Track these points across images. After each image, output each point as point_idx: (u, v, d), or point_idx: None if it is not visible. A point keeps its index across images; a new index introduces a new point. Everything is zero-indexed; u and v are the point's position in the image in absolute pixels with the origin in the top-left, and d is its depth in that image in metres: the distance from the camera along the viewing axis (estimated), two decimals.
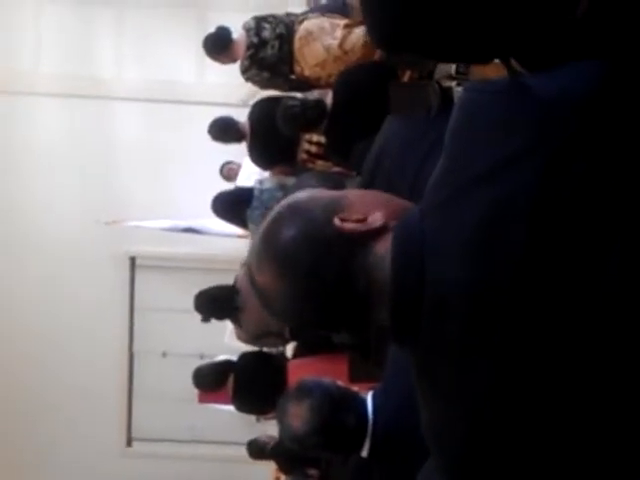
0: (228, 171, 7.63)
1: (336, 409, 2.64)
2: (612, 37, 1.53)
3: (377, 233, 1.39)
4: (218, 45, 4.99)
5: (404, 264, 1.36)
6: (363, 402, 2.65)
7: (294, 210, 1.45)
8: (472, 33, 1.49)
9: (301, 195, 1.48)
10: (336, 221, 1.40)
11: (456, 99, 3.43)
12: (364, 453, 2.64)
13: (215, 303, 4.25)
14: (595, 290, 1.26)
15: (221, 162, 7.70)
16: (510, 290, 1.28)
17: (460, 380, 1.35)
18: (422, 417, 1.45)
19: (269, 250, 1.44)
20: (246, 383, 4.14)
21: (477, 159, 1.34)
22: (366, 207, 1.42)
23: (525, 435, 1.32)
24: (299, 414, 2.64)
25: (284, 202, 1.47)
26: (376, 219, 1.40)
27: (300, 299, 1.43)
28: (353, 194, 1.48)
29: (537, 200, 1.27)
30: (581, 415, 1.29)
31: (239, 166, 7.34)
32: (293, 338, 4.49)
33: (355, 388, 2.82)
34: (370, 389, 2.73)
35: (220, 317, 4.40)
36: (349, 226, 1.39)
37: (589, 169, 1.27)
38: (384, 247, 1.38)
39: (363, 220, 1.40)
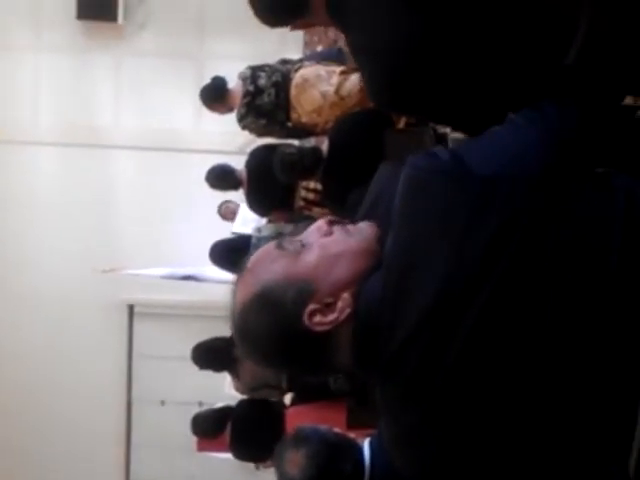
0: (225, 210, 7.66)
1: (333, 456, 2.64)
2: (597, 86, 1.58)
3: (345, 320, 1.49)
4: (214, 95, 5.04)
5: (364, 340, 1.47)
6: (360, 449, 2.65)
7: (266, 300, 1.51)
8: (465, 97, 1.55)
9: (272, 275, 1.52)
10: (305, 320, 1.48)
11: (450, 143, 3.46)
12: None
13: (212, 355, 4.24)
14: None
15: None
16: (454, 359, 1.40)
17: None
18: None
19: (243, 337, 1.55)
20: (244, 431, 4.11)
21: (423, 245, 1.43)
22: (335, 285, 1.50)
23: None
24: (296, 461, 2.64)
25: (257, 281, 1.52)
26: (345, 305, 1.48)
27: (274, 369, 1.54)
28: (322, 269, 1.51)
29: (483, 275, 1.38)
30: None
31: (237, 205, 7.36)
32: (290, 389, 4.47)
33: (352, 435, 2.81)
34: (367, 436, 2.73)
35: (217, 369, 4.38)
36: (319, 327, 1.48)
37: (528, 242, 1.39)
38: (347, 333, 1.49)
39: (333, 304, 1.48)
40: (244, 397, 4.52)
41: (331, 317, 1.48)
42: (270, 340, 1.50)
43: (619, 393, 1.38)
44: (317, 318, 1.48)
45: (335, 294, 1.49)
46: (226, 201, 7.57)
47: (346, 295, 1.48)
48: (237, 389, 4.44)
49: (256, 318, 1.50)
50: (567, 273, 1.38)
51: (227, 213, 7.66)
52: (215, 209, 7.77)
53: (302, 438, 2.71)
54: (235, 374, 4.33)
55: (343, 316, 1.48)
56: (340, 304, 1.48)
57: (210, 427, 4.30)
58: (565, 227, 1.40)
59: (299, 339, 1.49)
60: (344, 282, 1.49)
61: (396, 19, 1.67)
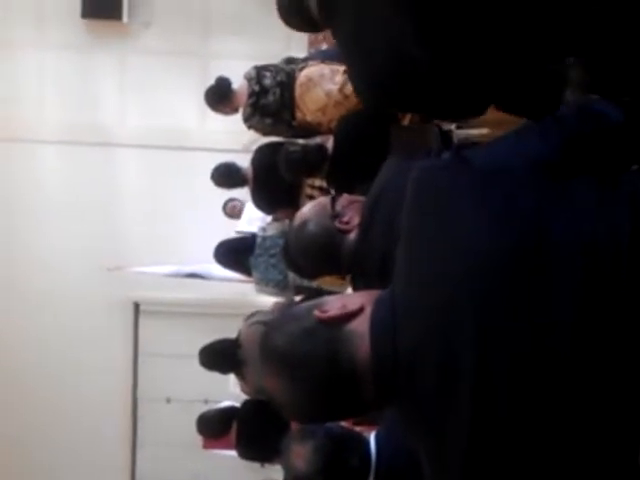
0: (231, 209, 7.67)
1: (339, 450, 2.65)
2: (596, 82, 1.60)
3: (354, 315, 1.50)
4: (219, 95, 5.04)
5: (381, 341, 1.47)
6: (366, 443, 2.66)
7: (284, 318, 1.61)
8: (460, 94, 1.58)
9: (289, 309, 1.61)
10: (316, 312, 1.51)
11: (455, 140, 3.48)
12: None
13: (218, 358, 4.23)
14: None
15: None
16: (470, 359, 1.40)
17: (439, 434, 1.45)
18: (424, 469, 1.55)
19: (268, 358, 1.56)
20: (249, 431, 4.10)
21: (432, 239, 1.46)
22: (344, 300, 1.54)
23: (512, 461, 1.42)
24: (303, 454, 2.65)
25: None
26: (354, 302, 1.52)
27: (299, 393, 1.52)
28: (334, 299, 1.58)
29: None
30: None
31: (242, 203, 7.37)
32: None
33: (359, 429, 2.83)
34: (373, 430, 2.74)
35: (223, 371, 4.38)
36: (327, 314, 1.50)
37: None
38: (362, 326, 1.49)
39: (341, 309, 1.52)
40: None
41: (340, 310, 1.51)
42: (288, 347, 1.52)
43: (630, 377, 1.36)
44: (327, 313, 1.52)
45: (344, 303, 1.54)
46: (231, 199, 7.58)
47: (357, 299, 1.55)
48: (243, 391, 4.43)
49: (275, 337, 1.56)
50: (571, 271, 1.37)
51: (232, 211, 7.67)
52: (220, 207, 7.79)
53: (308, 432, 2.72)
54: (241, 376, 4.33)
55: (352, 308, 1.51)
56: (349, 305, 1.53)
57: (215, 428, 4.29)
58: (567, 224, 1.39)
59: (312, 331, 1.52)
60: (353, 296, 1.61)
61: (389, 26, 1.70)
